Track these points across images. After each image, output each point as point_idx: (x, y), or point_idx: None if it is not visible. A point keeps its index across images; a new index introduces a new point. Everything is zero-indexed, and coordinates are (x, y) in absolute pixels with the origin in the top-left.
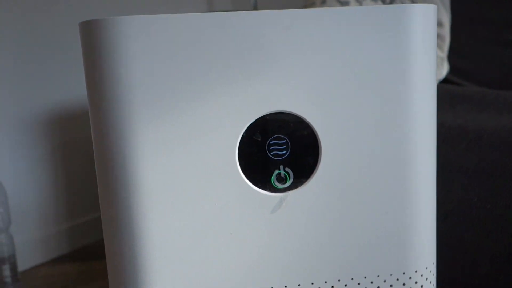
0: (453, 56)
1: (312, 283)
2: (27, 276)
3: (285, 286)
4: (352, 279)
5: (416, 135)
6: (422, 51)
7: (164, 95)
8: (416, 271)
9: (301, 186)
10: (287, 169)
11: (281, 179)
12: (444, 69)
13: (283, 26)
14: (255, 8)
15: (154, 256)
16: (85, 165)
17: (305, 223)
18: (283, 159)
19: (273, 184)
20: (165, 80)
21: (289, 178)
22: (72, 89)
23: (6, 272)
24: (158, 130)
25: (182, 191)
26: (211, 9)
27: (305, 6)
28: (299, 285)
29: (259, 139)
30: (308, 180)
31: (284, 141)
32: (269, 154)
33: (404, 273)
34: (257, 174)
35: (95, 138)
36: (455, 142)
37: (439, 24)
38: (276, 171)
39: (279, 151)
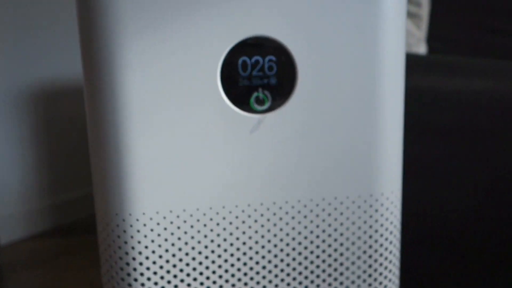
0: (432, 39)
1: (287, 202)
2: (10, 250)
3: (261, 203)
4: (323, 199)
5: (385, 69)
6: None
7: (152, 20)
8: (382, 194)
9: (277, 109)
10: (265, 92)
11: (259, 102)
12: (421, 49)
13: None
14: None
15: (140, 173)
16: (68, 143)
17: (281, 144)
18: (262, 82)
19: (252, 106)
20: (153, 7)
21: (267, 101)
22: (56, 67)
23: None
24: (145, 54)
25: (167, 111)
26: None
27: None
28: (274, 203)
29: (239, 63)
30: (284, 103)
31: (264, 65)
32: (249, 77)
33: (371, 195)
34: (238, 96)
35: (85, 64)
36: (429, 104)
37: (418, 4)
38: (255, 94)
39: (259, 75)
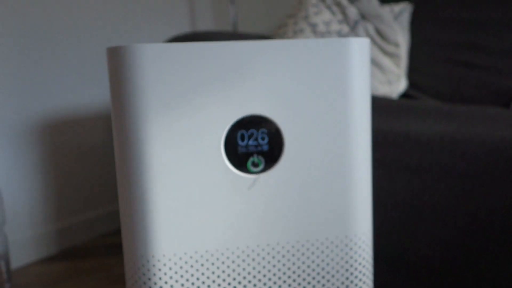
0: (412, 73)
1: (278, 243)
2: (20, 273)
3: (258, 245)
4: (307, 240)
5: (354, 134)
6: (358, 74)
7: (170, 103)
8: (355, 235)
9: (269, 170)
10: (259, 157)
11: (255, 165)
12: (402, 84)
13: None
14: (234, 25)
15: (161, 222)
16: (74, 170)
17: (273, 197)
18: (256, 150)
19: (249, 168)
20: (172, 91)
21: (261, 164)
22: (64, 98)
23: (1, 268)
24: (166, 129)
25: (183, 171)
26: (194, 28)
27: (279, 27)
28: (268, 244)
29: (238, 135)
30: (275, 165)
31: (258, 136)
32: (246, 146)
33: (346, 236)
34: (237, 161)
35: (117, 137)
36: (401, 144)
37: (396, 44)
38: (251, 158)
39: (253, 144)
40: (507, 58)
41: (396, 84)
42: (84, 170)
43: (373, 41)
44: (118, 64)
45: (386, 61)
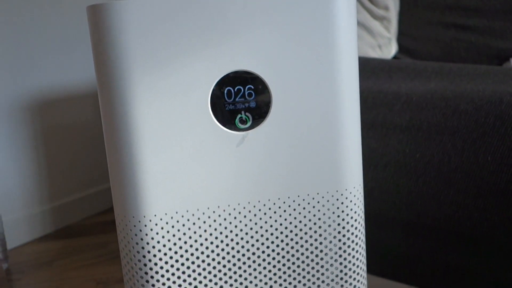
0: (402, 37)
1: (269, 200)
2: (16, 253)
3: (249, 202)
4: (298, 196)
5: (342, 86)
6: (344, 25)
7: (155, 61)
8: (346, 189)
9: (257, 127)
10: (247, 113)
11: (243, 122)
12: (393, 49)
13: (240, 5)
14: None
15: (151, 181)
16: (66, 149)
17: (262, 154)
18: (244, 106)
19: (237, 125)
20: (155, 49)
21: (249, 121)
22: (54, 77)
23: None
24: (151, 88)
25: (171, 131)
26: None
27: None
28: (259, 201)
29: (225, 92)
30: (263, 122)
31: (245, 93)
32: (233, 103)
33: (337, 191)
34: (225, 118)
35: (102, 98)
36: (391, 104)
37: (386, 8)
38: (239, 115)
39: (241, 100)
40: (498, 20)
41: (387, 49)
42: (78, 148)
43: (362, 5)
44: (99, 23)
45: (376, 25)
